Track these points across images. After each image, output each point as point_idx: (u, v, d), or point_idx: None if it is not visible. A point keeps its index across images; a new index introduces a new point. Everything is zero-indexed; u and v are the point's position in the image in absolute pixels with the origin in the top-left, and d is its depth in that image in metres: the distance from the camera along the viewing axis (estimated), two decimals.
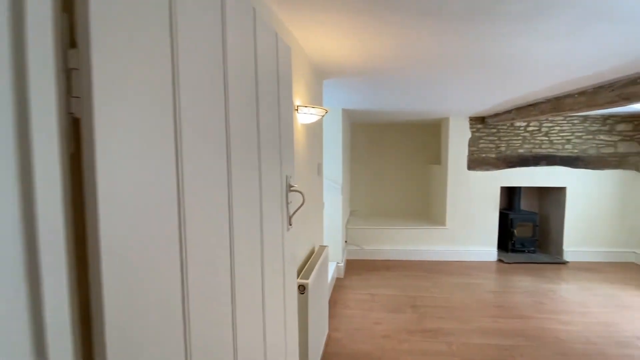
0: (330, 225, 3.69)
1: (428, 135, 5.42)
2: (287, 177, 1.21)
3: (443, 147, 4.68)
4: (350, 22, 1.42)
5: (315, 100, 2.22)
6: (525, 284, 3.64)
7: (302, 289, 1.52)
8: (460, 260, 4.47)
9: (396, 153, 5.44)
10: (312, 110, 1.69)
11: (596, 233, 4.44)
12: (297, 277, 1.60)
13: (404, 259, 4.48)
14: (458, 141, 4.44)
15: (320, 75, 2.35)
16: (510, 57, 1.78)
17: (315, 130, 2.30)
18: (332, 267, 3.62)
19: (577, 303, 3.18)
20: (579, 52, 1.65)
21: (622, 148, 4.35)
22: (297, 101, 1.70)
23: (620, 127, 4.33)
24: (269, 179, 1.03)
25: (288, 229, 1.19)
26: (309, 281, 1.56)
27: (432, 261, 4.43)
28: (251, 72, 0.90)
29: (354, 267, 4.17)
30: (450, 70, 2.09)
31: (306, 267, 1.80)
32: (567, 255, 4.46)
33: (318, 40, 1.64)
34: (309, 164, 2.09)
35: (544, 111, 2.95)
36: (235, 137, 0.78)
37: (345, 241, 4.33)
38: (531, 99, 3.00)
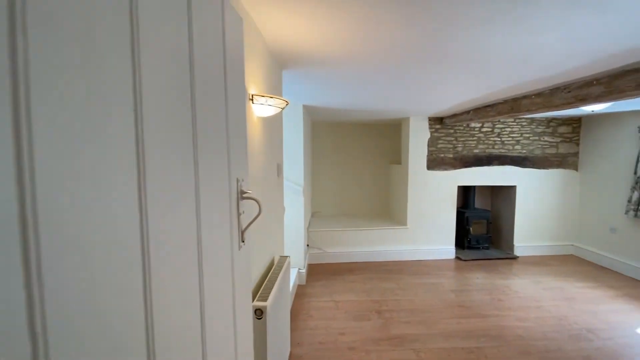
0: (291, 229, 3.45)
1: (389, 135, 5.41)
2: (238, 181, 0.96)
3: (403, 147, 4.67)
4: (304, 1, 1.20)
5: (274, 91, 1.98)
6: (482, 282, 3.73)
7: (259, 313, 1.28)
8: (421, 260, 4.50)
9: (358, 152, 5.36)
10: (271, 101, 1.45)
11: (542, 228, 4.73)
12: (254, 300, 1.35)
13: (367, 260, 4.39)
14: (418, 141, 4.46)
15: (279, 64, 2.10)
16: (478, 50, 1.69)
17: (274, 125, 2.05)
18: (294, 274, 3.39)
19: (531, 298, 3.30)
20: (547, 48, 1.60)
21: (563, 149, 4.68)
22: (252, 89, 1.44)
23: (562, 129, 4.66)
24: (211, 183, 0.77)
25: (240, 247, 0.94)
26: (268, 303, 1.32)
27: (394, 261, 4.40)
28: (182, 41, 0.64)
29: (316, 272, 3.97)
30: (413, 65, 1.97)
31: (264, 284, 1.55)
32: (517, 250, 4.70)
33: (274, 19, 1.40)
34: (267, 164, 1.84)
35: (501, 112, 3.00)
36: (151, 125, 0.52)
37: (307, 245, 4.12)
38: (490, 99, 3.03)
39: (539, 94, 2.51)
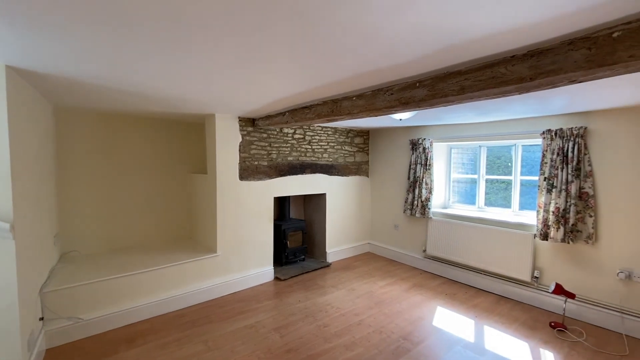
0: None
1: (190, 136, 4.26)
2: None
3: (209, 151, 3.69)
4: None
5: None
6: (304, 304, 3.33)
7: None
8: (237, 292, 3.66)
9: (143, 159, 3.88)
10: None
11: (346, 232, 5.00)
12: None
13: (160, 313, 3.08)
14: (227, 145, 3.61)
15: None
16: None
17: None
18: None
19: (350, 313, 3.14)
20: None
21: (358, 158, 5.14)
22: None
23: (357, 140, 5.10)
24: None
25: None
26: None
27: (202, 304, 3.33)
28: None
29: None
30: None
31: None
32: (329, 257, 4.73)
33: None
34: None
35: (321, 115, 2.64)
36: None
37: (41, 318, 2.37)
38: (307, 99, 2.60)
39: (360, 96, 2.23)
